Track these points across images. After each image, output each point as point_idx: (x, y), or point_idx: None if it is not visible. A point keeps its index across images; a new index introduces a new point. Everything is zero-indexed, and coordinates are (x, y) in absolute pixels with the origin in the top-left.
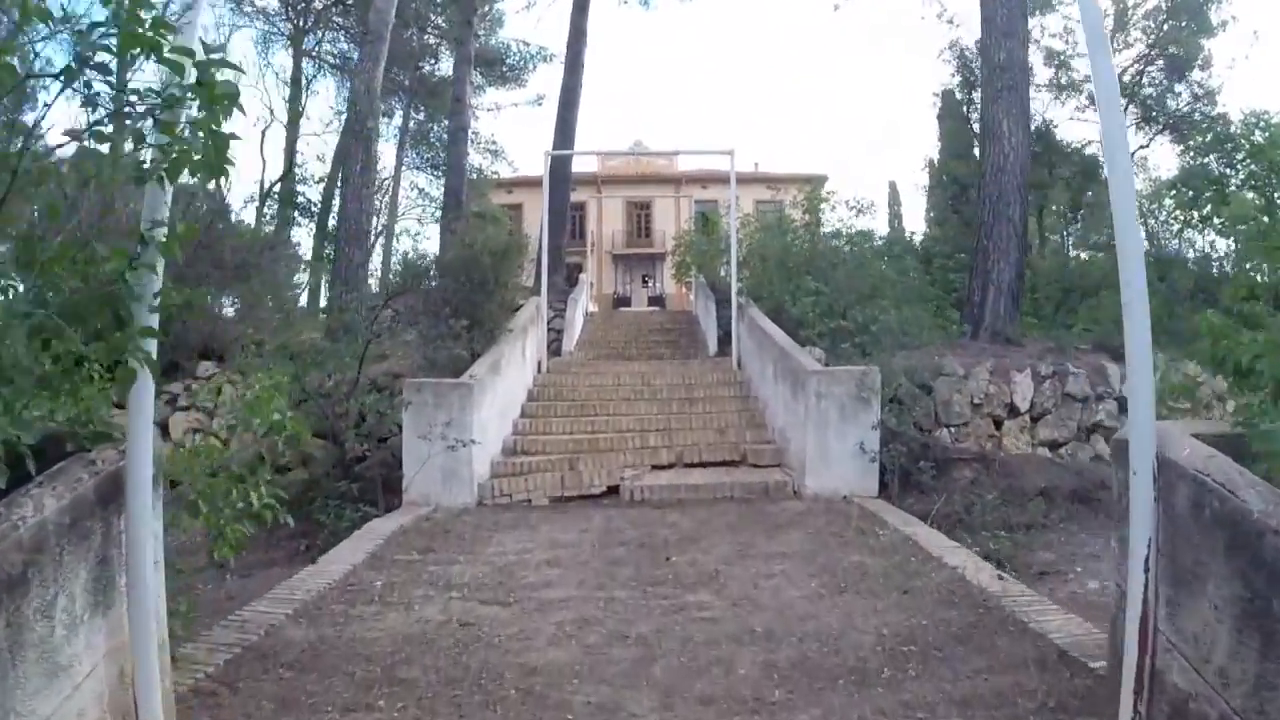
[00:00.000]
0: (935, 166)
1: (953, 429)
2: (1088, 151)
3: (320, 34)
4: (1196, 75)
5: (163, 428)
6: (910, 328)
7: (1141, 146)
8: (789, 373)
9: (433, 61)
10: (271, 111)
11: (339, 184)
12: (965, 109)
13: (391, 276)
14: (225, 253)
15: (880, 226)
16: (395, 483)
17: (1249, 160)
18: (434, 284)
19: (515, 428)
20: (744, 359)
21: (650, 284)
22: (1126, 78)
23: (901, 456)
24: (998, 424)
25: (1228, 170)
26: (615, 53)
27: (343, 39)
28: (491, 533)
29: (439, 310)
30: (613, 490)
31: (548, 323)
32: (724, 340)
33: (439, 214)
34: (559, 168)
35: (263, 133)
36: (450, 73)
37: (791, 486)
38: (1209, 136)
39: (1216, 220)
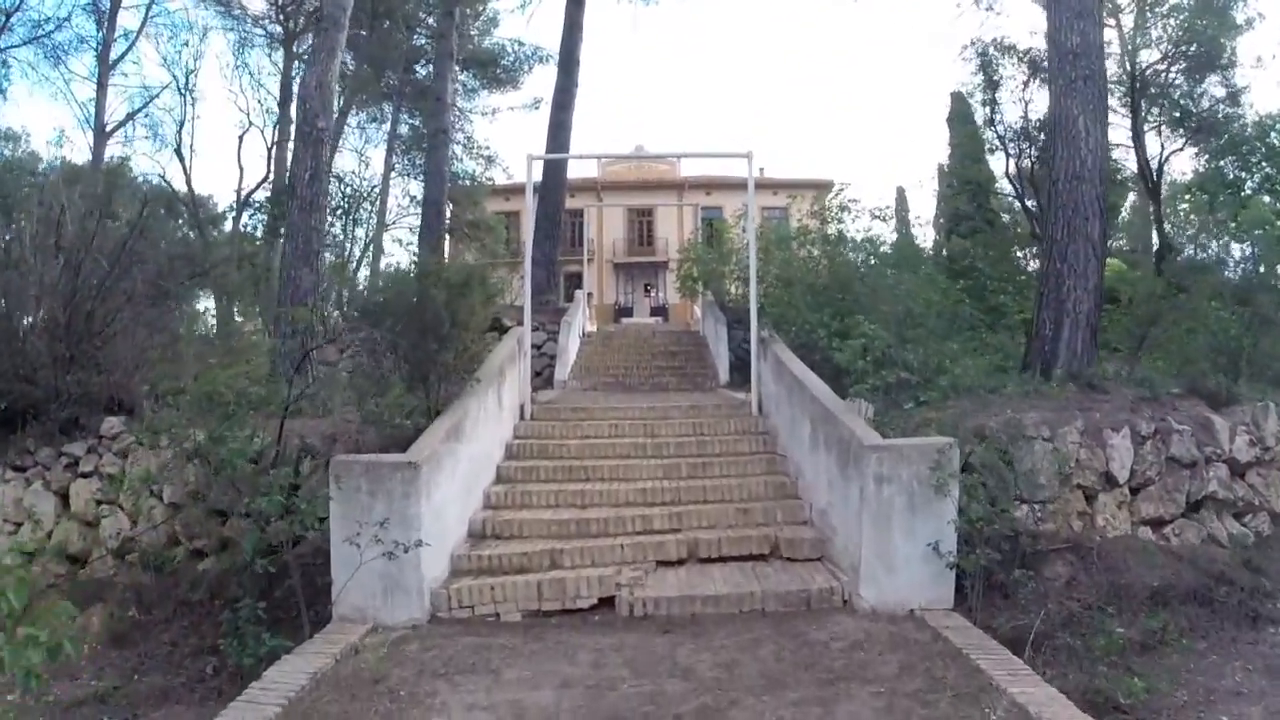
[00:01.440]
0: (945, 172)
1: (1036, 506)
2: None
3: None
4: (1220, 76)
5: (63, 498)
6: (975, 372)
7: (1175, 151)
8: (836, 442)
9: (425, 64)
10: (249, 117)
11: (292, 195)
12: (991, 110)
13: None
14: (137, 275)
15: (884, 234)
16: (325, 588)
17: (1264, 163)
18: (381, 322)
19: (487, 499)
20: (767, 404)
21: (653, 293)
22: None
23: (983, 554)
24: (1089, 497)
25: (1243, 174)
26: (615, 57)
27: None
28: (437, 684)
29: (382, 357)
30: (606, 601)
31: (539, 347)
32: (736, 367)
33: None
34: (552, 173)
35: (240, 138)
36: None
37: (841, 594)
38: (1224, 139)
39: (1231, 224)
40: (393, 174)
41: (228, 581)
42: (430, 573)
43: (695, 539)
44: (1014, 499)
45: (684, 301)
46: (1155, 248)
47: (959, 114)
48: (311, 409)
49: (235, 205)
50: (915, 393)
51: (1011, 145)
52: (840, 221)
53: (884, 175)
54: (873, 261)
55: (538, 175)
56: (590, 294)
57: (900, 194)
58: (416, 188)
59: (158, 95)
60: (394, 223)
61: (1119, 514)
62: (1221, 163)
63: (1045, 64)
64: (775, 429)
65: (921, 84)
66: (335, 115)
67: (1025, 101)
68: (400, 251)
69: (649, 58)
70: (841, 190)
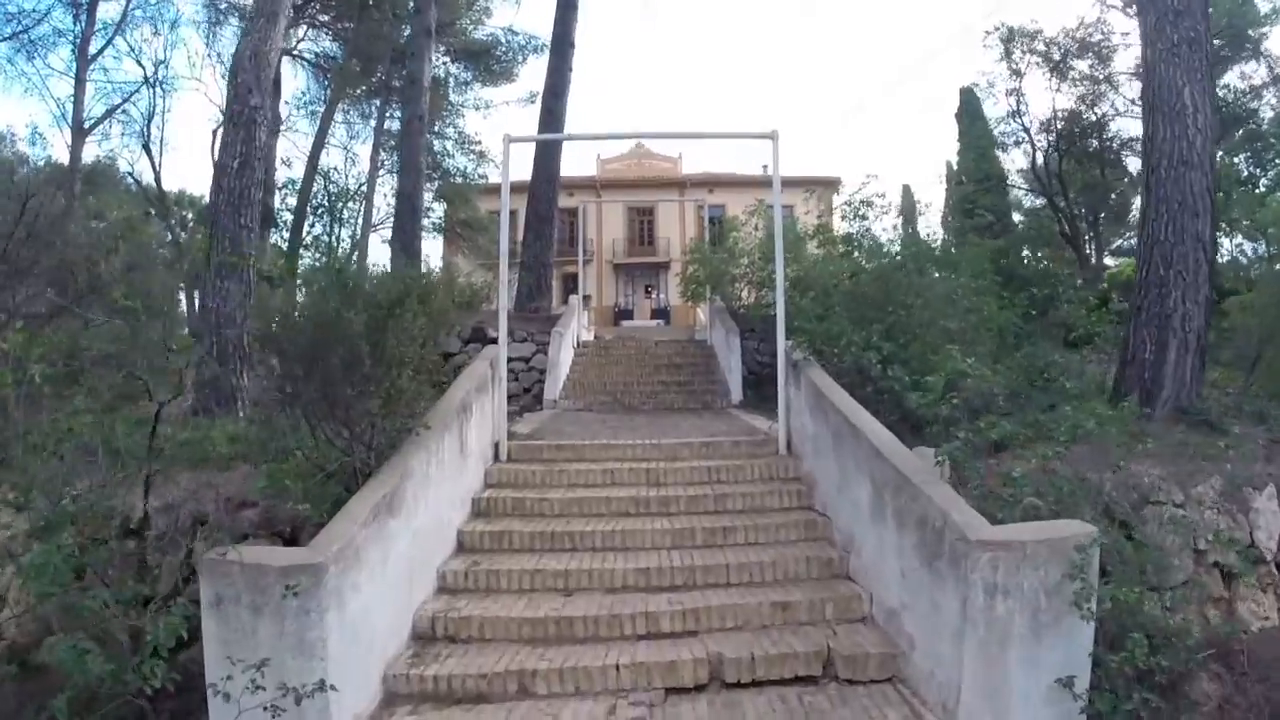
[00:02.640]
0: (953, 169)
1: (1167, 594)
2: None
3: (301, 32)
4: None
5: None
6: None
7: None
8: (917, 522)
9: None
10: (219, 109)
11: (216, 191)
12: (1016, 100)
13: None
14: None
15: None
16: None
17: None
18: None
19: (442, 580)
20: (800, 443)
21: (654, 295)
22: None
23: (1134, 696)
24: (1226, 577)
25: (1257, 170)
26: (615, 53)
27: (326, 38)
28: None
29: (286, 400)
30: None
31: (527, 360)
32: (751, 383)
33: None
34: (544, 166)
35: (214, 133)
36: (439, 70)
37: None
38: (1239, 134)
39: (1245, 223)
40: (380, 171)
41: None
42: (348, 707)
43: (719, 653)
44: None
45: (687, 304)
46: None
47: (969, 110)
48: (222, 459)
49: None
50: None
51: (1038, 137)
52: (864, 219)
53: (888, 174)
54: (907, 264)
55: (519, 163)
56: (588, 296)
57: (907, 191)
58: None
59: (138, 90)
60: (381, 223)
61: (1264, 599)
62: (1236, 159)
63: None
64: (811, 477)
65: (925, 83)
66: (273, 93)
67: (1053, 91)
68: (386, 254)
69: (649, 58)
70: (866, 183)
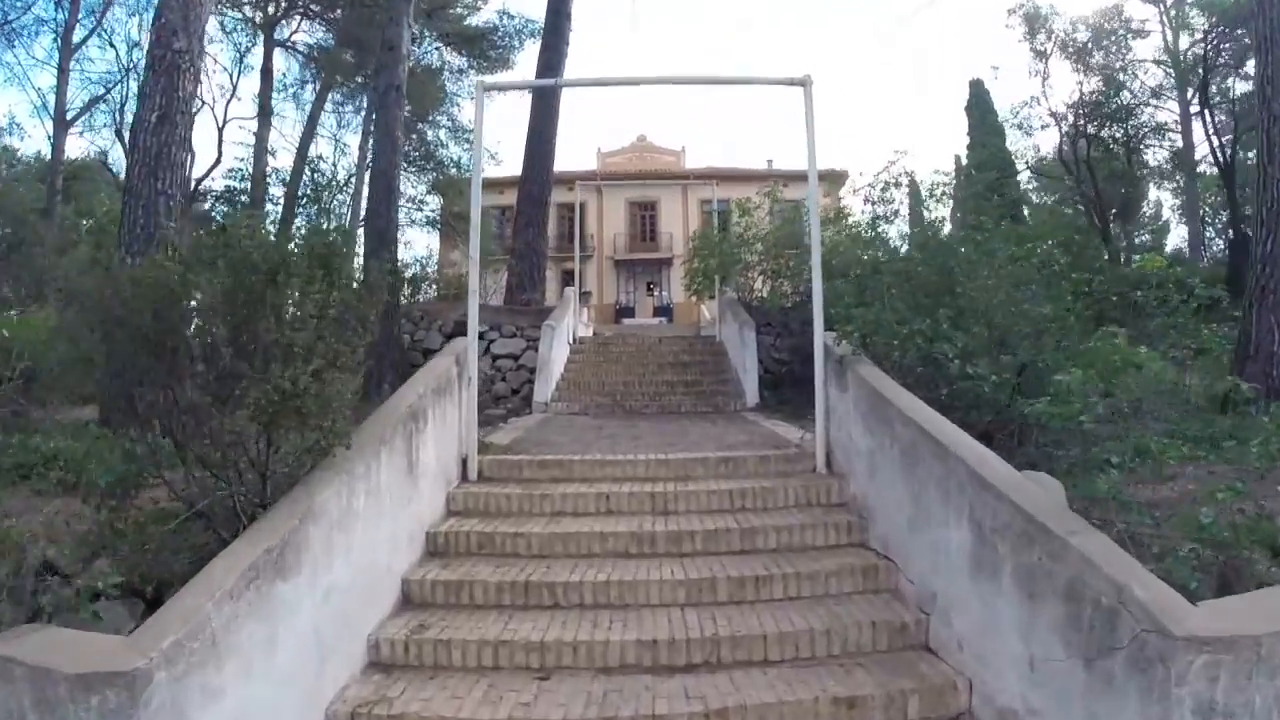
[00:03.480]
0: (961, 162)
1: None
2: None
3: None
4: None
5: None
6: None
7: (1249, 129)
8: (1065, 594)
9: (419, 53)
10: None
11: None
12: (1042, 81)
13: None
14: None
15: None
16: None
17: None
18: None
19: (374, 652)
20: (846, 458)
21: (656, 292)
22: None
23: None
24: None
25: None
26: (616, 47)
27: (320, 29)
28: None
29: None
30: None
31: (516, 357)
32: (769, 383)
33: (413, 215)
34: (537, 146)
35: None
36: (434, 59)
37: None
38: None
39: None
40: (369, 162)
41: None
42: None
43: None
44: None
45: (690, 302)
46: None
47: (978, 101)
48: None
49: (187, 194)
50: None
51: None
52: (890, 202)
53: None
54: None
55: (512, 160)
56: (589, 292)
57: (913, 184)
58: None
59: (120, 80)
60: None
61: None
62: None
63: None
64: (864, 504)
65: (929, 76)
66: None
67: (1080, 72)
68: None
69: (652, 48)
70: (893, 161)
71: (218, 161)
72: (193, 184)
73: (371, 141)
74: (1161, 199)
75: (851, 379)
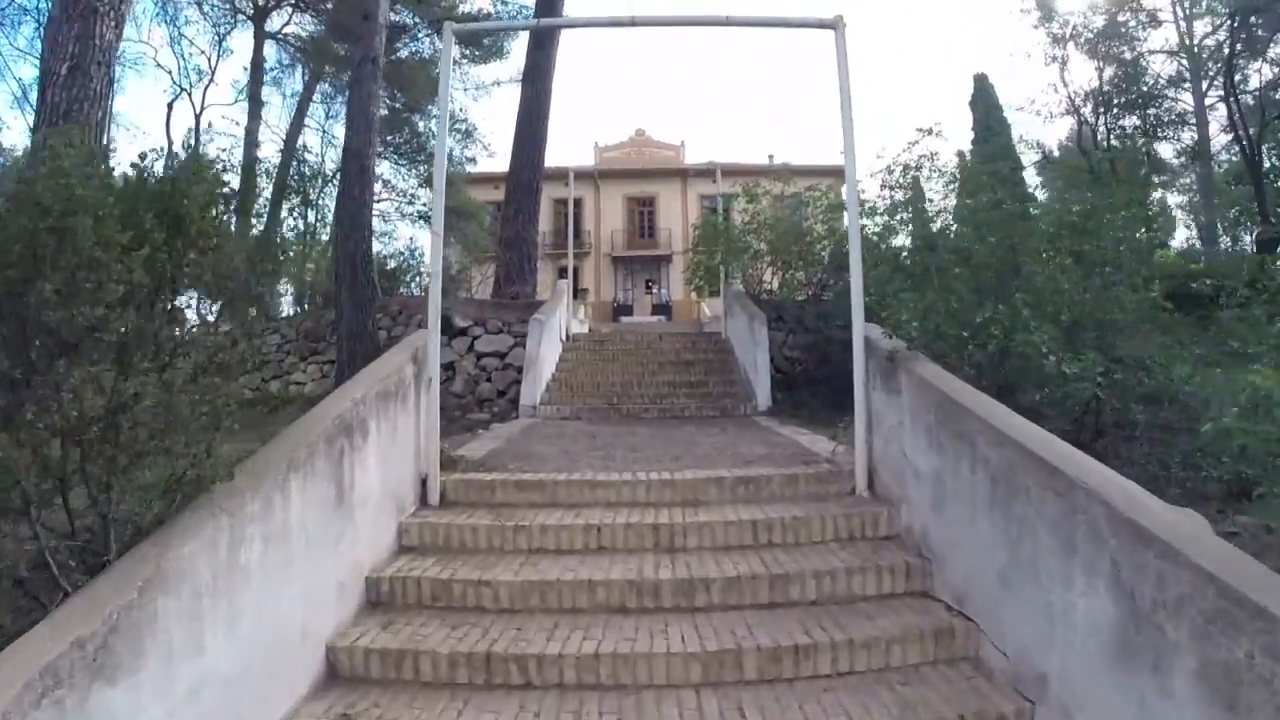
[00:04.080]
0: (964, 159)
1: None
2: None
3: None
4: None
5: None
6: None
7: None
8: None
9: (409, 41)
10: (173, 79)
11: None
12: (1061, 68)
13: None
14: None
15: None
16: None
17: None
18: None
19: None
20: (890, 479)
21: (655, 290)
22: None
23: None
24: None
25: None
26: (615, 43)
27: (310, 21)
28: None
29: None
30: None
31: (503, 355)
32: (783, 384)
33: (404, 207)
34: (529, 125)
35: (169, 105)
36: (428, 52)
37: None
38: None
39: None
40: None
41: None
42: None
43: None
44: None
45: (690, 299)
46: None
47: (983, 96)
48: None
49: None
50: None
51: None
52: (910, 188)
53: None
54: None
55: (500, 152)
56: (585, 290)
57: (915, 181)
58: (387, 168)
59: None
60: None
61: None
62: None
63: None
64: (926, 539)
65: (929, 71)
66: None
67: (1098, 58)
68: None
69: (651, 43)
70: (916, 142)
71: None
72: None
73: (344, 117)
74: (1168, 198)
75: (907, 381)
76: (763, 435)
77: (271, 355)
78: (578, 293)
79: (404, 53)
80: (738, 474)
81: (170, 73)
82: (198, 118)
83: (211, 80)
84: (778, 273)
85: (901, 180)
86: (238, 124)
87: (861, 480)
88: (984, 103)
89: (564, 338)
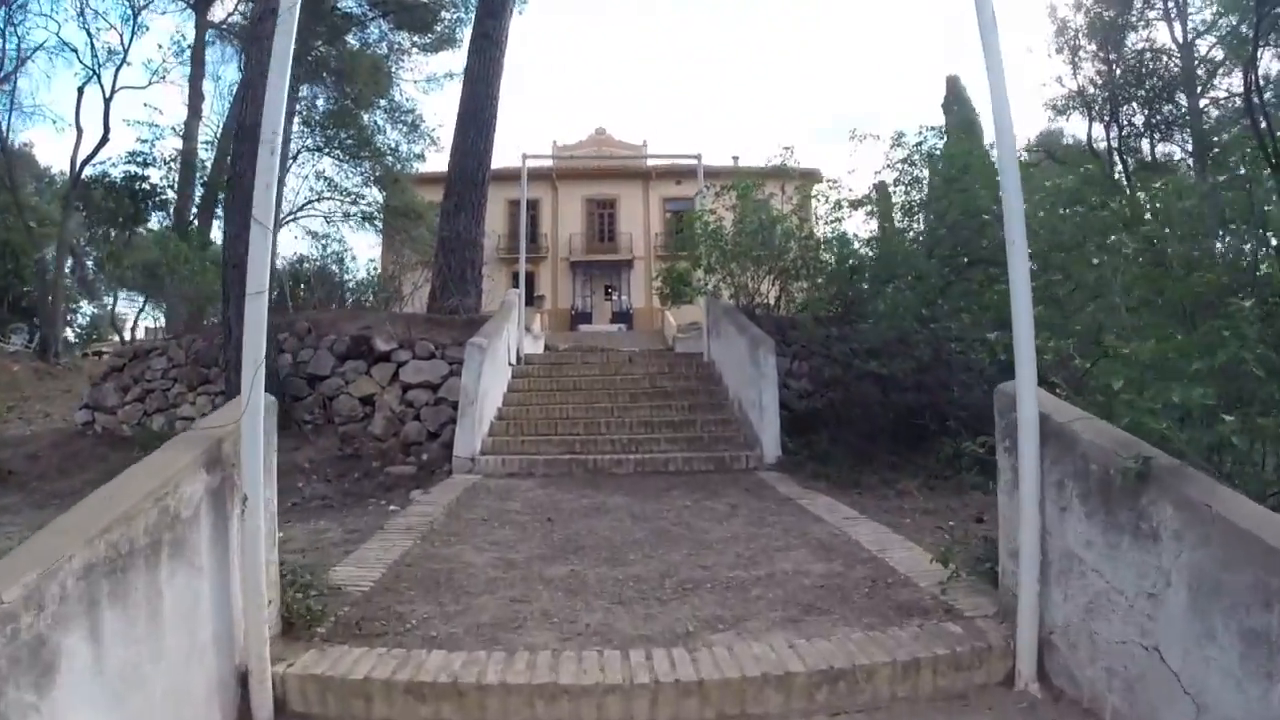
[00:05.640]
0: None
1: None
2: None
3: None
4: None
5: None
6: None
7: None
8: None
9: (358, 31)
10: (81, 60)
11: None
12: (1074, 60)
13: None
14: None
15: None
16: None
17: None
18: None
19: None
20: (1135, 693)
21: (615, 297)
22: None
23: None
24: None
25: None
26: (575, 39)
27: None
28: None
29: None
30: None
31: (435, 387)
32: (796, 427)
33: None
34: (474, 107)
35: (79, 90)
36: (382, 46)
37: None
38: None
39: None
40: (304, 151)
41: None
42: None
43: None
44: None
45: (653, 307)
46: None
47: (956, 98)
48: None
49: (71, 177)
50: None
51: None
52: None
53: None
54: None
55: (450, 101)
56: (542, 297)
57: (882, 188)
58: (330, 165)
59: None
60: (299, 210)
61: None
62: None
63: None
64: None
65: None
66: None
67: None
68: (302, 243)
69: (613, 39)
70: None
71: (105, 139)
72: (78, 164)
73: (240, 91)
74: None
75: (1181, 523)
76: (796, 518)
77: (156, 382)
78: (533, 300)
79: (356, 45)
80: (815, 664)
81: (77, 51)
82: (108, 103)
83: (124, 61)
84: (775, 282)
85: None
86: (160, 111)
87: (1027, 664)
88: (958, 105)
89: (515, 361)
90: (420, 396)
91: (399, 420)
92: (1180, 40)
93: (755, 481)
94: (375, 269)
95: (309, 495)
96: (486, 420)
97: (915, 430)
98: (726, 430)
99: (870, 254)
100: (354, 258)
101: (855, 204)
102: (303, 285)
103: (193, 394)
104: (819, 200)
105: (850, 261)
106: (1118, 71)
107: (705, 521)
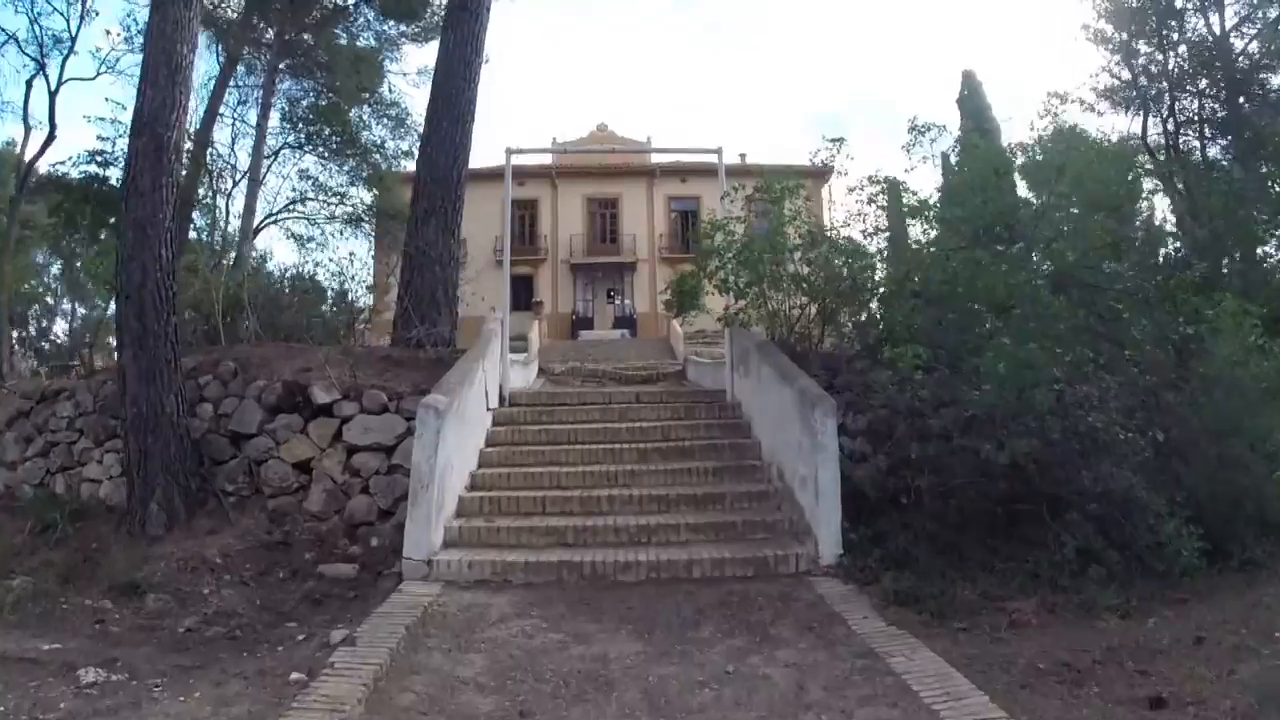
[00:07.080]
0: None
1: None
2: None
3: None
4: None
5: None
6: None
7: None
8: None
9: (347, 23)
10: (23, 49)
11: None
12: (1126, 50)
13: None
14: None
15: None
16: None
17: None
18: None
19: None
20: None
21: (617, 301)
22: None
23: None
24: None
25: None
26: (574, 40)
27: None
28: None
29: None
30: None
31: (389, 450)
32: (863, 513)
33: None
34: (447, 94)
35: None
36: (372, 41)
37: None
38: None
39: None
40: (286, 149)
41: None
42: None
43: None
44: None
45: (657, 312)
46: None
47: (972, 95)
48: None
49: (17, 180)
50: None
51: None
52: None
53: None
54: None
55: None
56: (540, 302)
57: (892, 186)
58: (312, 164)
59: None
60: (277, 211)
61: None
62: None
63: None
64: None
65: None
66: None
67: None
68: (280, 247)
69: (612, 38)
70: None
71: (52, 137)
72: (24, 165)
73: (140, 72)
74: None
75: None
76: (897, 710)
77: (61, 433)
78: (532, 306)
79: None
80: None
81: (17, 39)
82: (53, 96)
83: (71, 50)
84: (839, 308)
85: None
86: (124, 107)
87: None
88: (974, 102)
89: (495, 405)
90: (369, 462)
91: (342, 494)
92: (1218, 31)
93: (815, 604)
94: (353, 278)
95: (213, 612)
96: (451, 498)
97: (1011, 515)
98: (764, 509)
99: (942, 278)
100: (340, 271)
101: (913, 211)
102: (247, 308)
103: (99, 450)
104: (867, 204)
105: (913, 287)
106: (1170, 63)
107: (759, 712)
